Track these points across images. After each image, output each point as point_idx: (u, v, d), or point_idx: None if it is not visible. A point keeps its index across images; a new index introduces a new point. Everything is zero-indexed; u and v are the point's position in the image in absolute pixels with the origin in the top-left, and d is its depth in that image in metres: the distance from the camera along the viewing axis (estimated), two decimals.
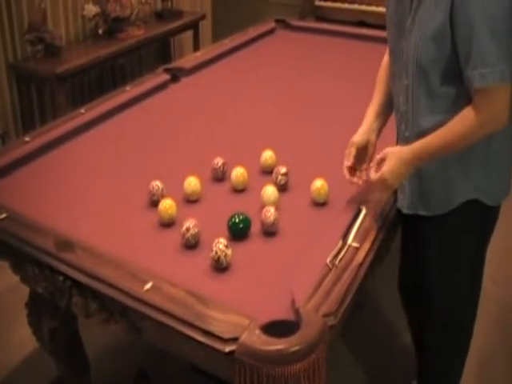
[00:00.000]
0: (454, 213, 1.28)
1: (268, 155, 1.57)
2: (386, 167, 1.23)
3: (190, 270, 1.19)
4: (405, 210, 1.35)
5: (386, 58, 1.43)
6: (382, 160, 1.25)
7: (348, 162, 1.37)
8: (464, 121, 1.16)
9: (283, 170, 1.47)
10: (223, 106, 2.03)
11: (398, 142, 1.35)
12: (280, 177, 1.47)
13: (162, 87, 2.12)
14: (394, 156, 1.23)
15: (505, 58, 1.09)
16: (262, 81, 2.25)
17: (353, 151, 1.37)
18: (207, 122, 1.90)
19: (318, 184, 1.41)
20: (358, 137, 1.38)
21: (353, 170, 1.38)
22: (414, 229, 1.38)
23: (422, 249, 1.38)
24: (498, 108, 1.13)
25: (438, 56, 1.15)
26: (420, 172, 1.27)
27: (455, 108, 1.17)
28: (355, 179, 1.37)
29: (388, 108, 1.41)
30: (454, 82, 1.17)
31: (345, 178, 1.38)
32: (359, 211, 1.31)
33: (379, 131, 1.41)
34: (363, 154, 1.38)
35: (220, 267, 1.18)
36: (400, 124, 1.31)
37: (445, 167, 1.25)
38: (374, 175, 1.26)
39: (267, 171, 1.55)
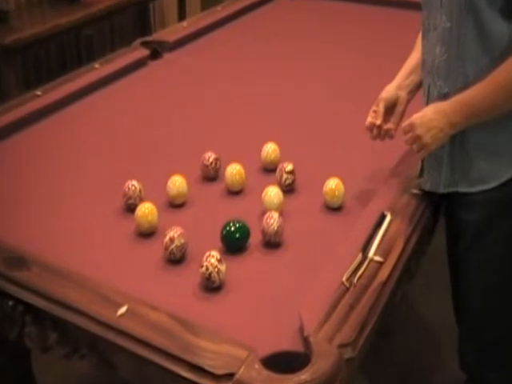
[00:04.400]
0: (499, 189, 1.31)
1: (270, 149, 1.58)
2: (418, 114, 1.28)
3: (175, 290, 1.20)
4: (441, 189, 1.38)
5: None
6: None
7: (377, 119, 1.44)
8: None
9: (289, 166, 1.48)
10: (215, 88, 2.04)
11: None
12: (285, 175, 1.48)
13: (139, 65, 2.13)
14: (429, 106, 1.29)
15: None
16: (261, 58, 2.26)
17: (381, 107, 1.44)
18: (195, 108, 1.91)
19: (332, 184, 1.42)
20: (387, 92, 1.45)
21: (378, 129, 1.45)
22: (451, 212, 1.41)
23: (459, 232, 1.40)
24: None
25: None
26: (462, 139, 1.30)
27: (507, 51, 1.21)
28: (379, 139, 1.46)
29: None
30: (508, 18, 1.21)
31: (364, 175, 1.39)
32: (383, 217, 1.32)
33: (413, 89, 1.46)
34: (390, 114, 1.45)
35: (211, 286, 1.19)
36: (436, 81, 1.33)
37: (493, 134, 1.29)
38: (403, 123, 1.31)
39: (269, 168, 1.56)
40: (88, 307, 1.11)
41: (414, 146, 1.32)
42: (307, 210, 1.43)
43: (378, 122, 1.43)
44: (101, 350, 1.11)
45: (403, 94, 1.45)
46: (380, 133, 1.45)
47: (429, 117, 1.27)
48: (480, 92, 1.24)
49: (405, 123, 1.32)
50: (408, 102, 1.46)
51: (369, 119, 1.45)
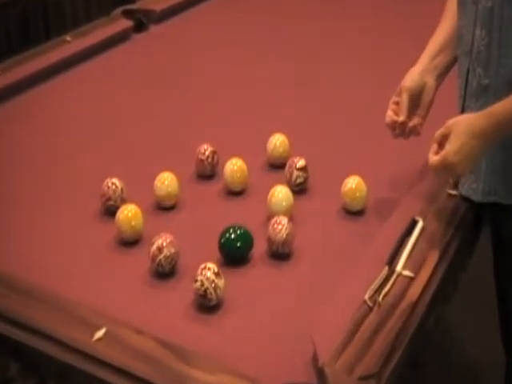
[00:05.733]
0: None
1: (278, 141, 1.58)
2: (451, 146, 1.24)
3: (164, 310, 1.20)
4: (479, 197, 1.37)
5: None
6: (445, 136, 1.26)
7: (400, 114, 1.40)
8: None
9: (300, 162, 1.49)
10: (211, 67, 2.04)
11: (464, 101, 1.37)
12: (296, 173, 1.48)
13: (120, 38, 2.13)
14: (460, 129, 1.24)
15: None
16: (266, 32, 2.26)
17: (405, 99, 1.40)
18: (188, 92, 1.91)
19: (352, 183, 1.43)
20: (411, 79, 1.41)
21: (402, 126, 1.41)
22: (496, 221, 1.40)
23: (506, 245, 1.40)
24: None
25: None
26: (505, 139, 1.28)
27: None
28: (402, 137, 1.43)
29: None
30: None
31: (390, 173, 1.39)
32: (414, 223, 1.32)
33: (443, 72, 1.44)
34: (415, 105, 1.42)
35: (207, 305, 1.19)
36: (475, 67, 1.32)
37: None
38: (432, 158, 1.27)
39: (277, 164, 1.57)
40: (58, 330, 1.11)
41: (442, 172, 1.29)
42: (322, 215, 1.44)
43: (402, 117, 1.40)
44: (73, 382, 1.11)
45: (431, 80, 1.42)
46: (404, 130, 1.42)
47: (467, 144, 1.23)
48: None
49: (436, 162, 1.25)
50: (437, 88, 1.44)
51: (389, 114, 1.42)
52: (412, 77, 1.42)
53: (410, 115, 1.42)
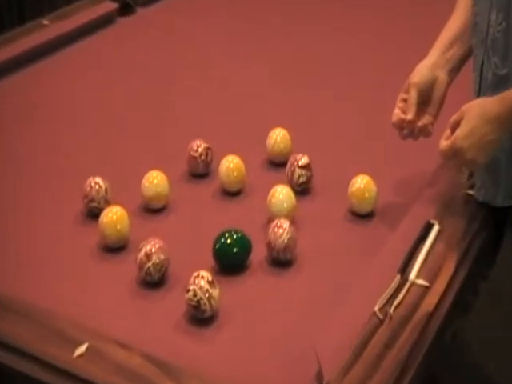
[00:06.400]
0: None
1: (279, 136, 1.59)
2: (461, 130, 1.25)
3: (152, 322, 1.20)
4: (499, 202, 1.37)
5: None
6: (458, 122, 1.27)
7: (408, 113, 1.40)
8: None
9: (303, 159, 1.49)
10: (204, 55, 2.04)
11: (479, 96, 1.37)
12: (298, 171, 1.49)
13: (104, 22, 2.13)
14: (473, 113, 1.25)
15: None
16: (266, 17, 2.27)
17: (413, 96, 1.40)
18: (179, 82, 1.91)
19: (361, 183, 1.43)
20: (420, 74, 1.41)
21: (410, 126, 1.41)
22: None
23: None
24: None
25: None
26: None
27: None
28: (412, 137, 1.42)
29: None
30: None
31: (402, 171, 1.39)
32: (429, 227, 1.32)
33: (456, 66, 1.44)
34: (425, 102, 1.42)
35: (201, 317, 1.19)
36: (490, 56, 1.32)
37: None
38: (442, 144, 1.28)
39: (277, 162, 1.57)
40: (36, 347, 1.10)
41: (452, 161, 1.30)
42: (327, 217, 1.44)
43: (410, 116, 1.40)
44: None
45: (442, 75, 1.42)
46: (413, 130, 1.42)
47: (479, 129, 1.24)
48: None
49: (445, 147, 1.27)
50: (449, 84, 1.43)
51: (396, 112, 1.42)
52: (421, 71, 1.42)
53: (420, 113, 1.42)
